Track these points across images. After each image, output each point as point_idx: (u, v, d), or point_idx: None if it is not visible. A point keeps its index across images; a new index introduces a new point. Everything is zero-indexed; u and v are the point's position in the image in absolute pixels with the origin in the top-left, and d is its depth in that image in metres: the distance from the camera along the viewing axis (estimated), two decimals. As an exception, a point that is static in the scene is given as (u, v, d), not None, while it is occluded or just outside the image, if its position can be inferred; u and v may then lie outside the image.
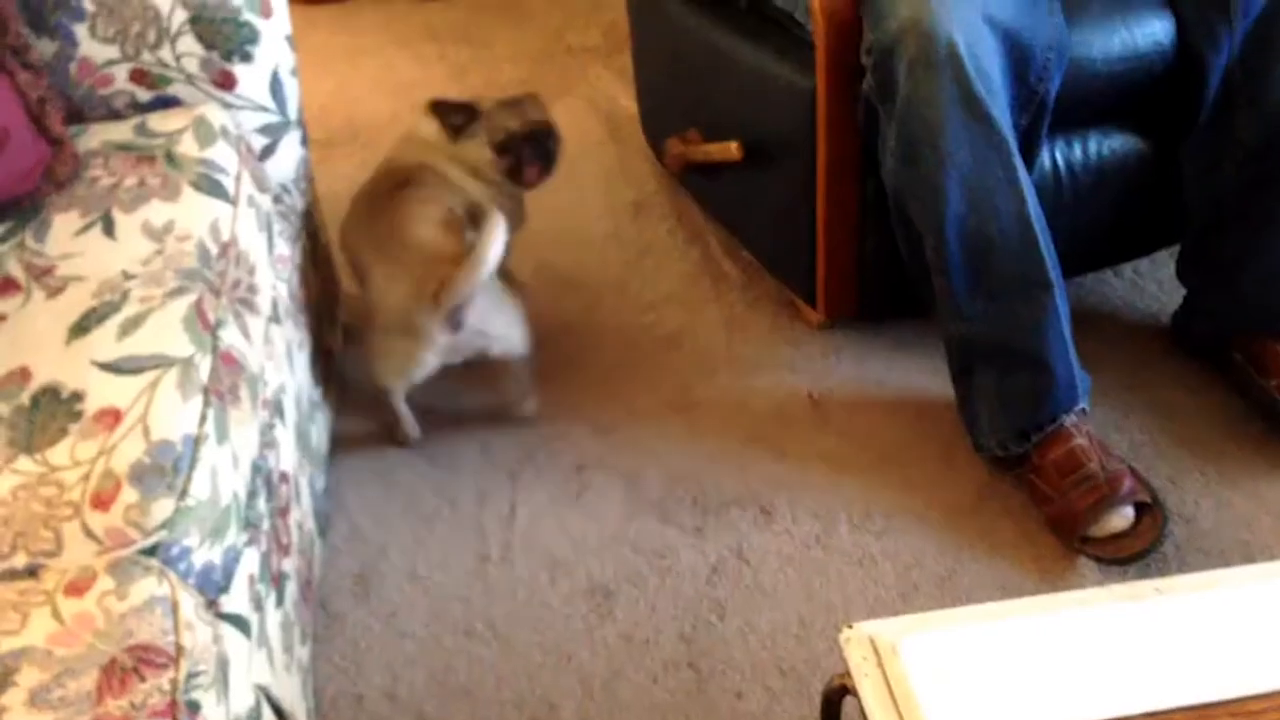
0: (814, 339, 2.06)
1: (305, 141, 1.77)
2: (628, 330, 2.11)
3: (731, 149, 1.92)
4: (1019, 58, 1.62)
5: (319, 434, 1.75)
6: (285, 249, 1.65)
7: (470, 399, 1.98)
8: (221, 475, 1.22)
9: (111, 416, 1.20)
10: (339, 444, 1.90)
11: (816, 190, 1.81)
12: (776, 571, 1.70)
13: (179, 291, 1.33)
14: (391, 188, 1.81)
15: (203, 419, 1.23)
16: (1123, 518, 1.67)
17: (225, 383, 1.30)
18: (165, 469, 1.16)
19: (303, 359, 1.70)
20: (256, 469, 1.35)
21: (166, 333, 1.28)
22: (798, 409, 1.94)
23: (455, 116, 1.85)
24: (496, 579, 1.71)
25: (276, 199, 1.70)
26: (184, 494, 1.16)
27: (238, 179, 1.52)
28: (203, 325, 1.31)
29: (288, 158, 1.72)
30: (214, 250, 1.40)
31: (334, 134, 2.57)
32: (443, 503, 1.82)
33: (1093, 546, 1.67)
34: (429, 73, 2.82)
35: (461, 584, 1.71)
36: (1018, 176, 1.63)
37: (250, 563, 1.29)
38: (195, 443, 1.20)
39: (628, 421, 1.94)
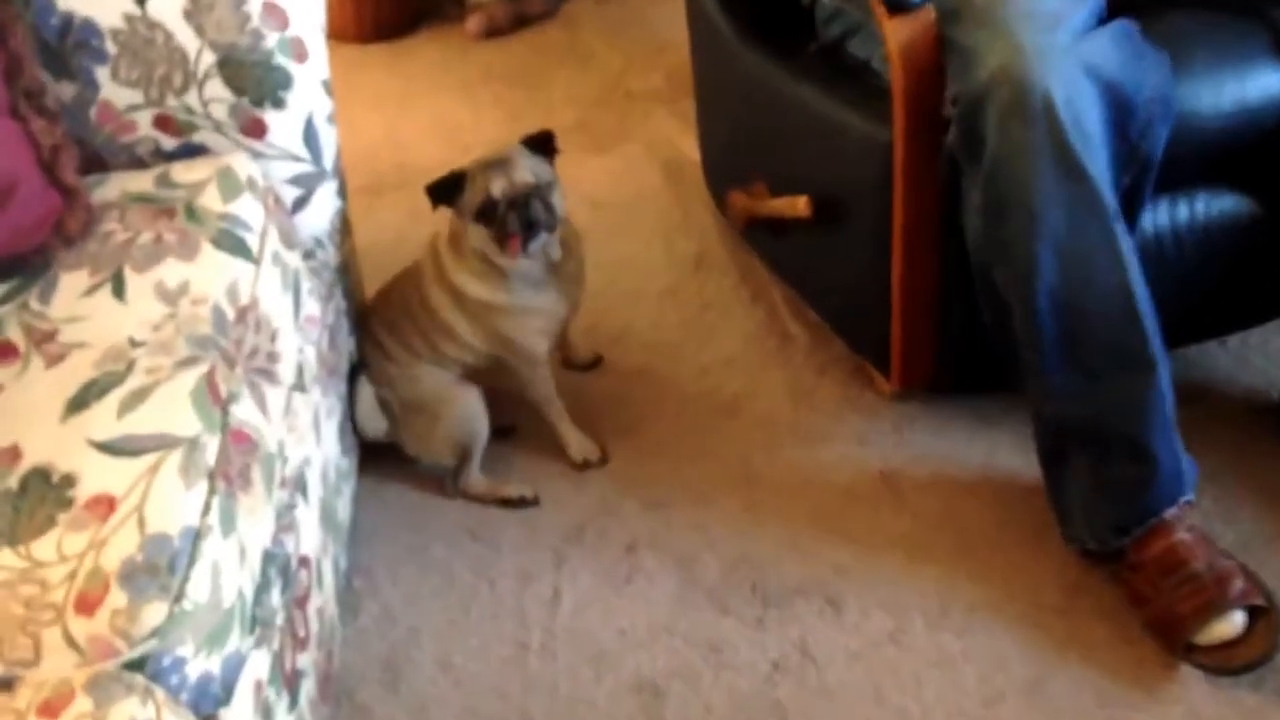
0: (886, 409, 1.90)
1: (342, 192, 1.66)
2: (684, 395, 1.97)
3: (799, 205, 1.77)
4: (1121, 111, 1.47)
5: (345, 507, 1.63)
6: (315, 309, 1.53)
7: (516, 468, 1.85)
8: (225, 573, 1.09)
9: (105, 505, 1.07)
10: (371, 515, 1.77)
11: (892, 251, 1.66)
12: (844, 671, 1.54)
13: (189, 362, 1.21)
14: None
15: (206, 508, 1.10)
16: (1232, 624, 1.49)
17: (235, 465, 1.17)
18: (159, 568, 1.04)
19: (331, 427, 1.57)
20: (270, 559, 1.22)
21: (172, 408, 1.16)
22: (868, 487, 1.79)
23: (447, 194, 1.69)
24: (536, 671, 1.57)
25: (308, 254, 1.58)
26: (179, 597, 1.03)
27: (263, 235, 1.40)
28: (213, 399, 1.19)
29: (322, 210, 1.60)
30: (231, 314, 1.28)
31: (382, 180, 2.46)
32: (481, 582, 1.68)
33: (1199, 655, 1.50)
34: (482, 116, 2.71)
35: (498, 675, 1.56)
36: (1118, 242, 1.47)
37: (258, 666, 1.16)
38: (196, 536, 1.08)
39: (682, 497, 1.79)
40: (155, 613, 1.01)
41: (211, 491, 1.12)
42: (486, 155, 1.70)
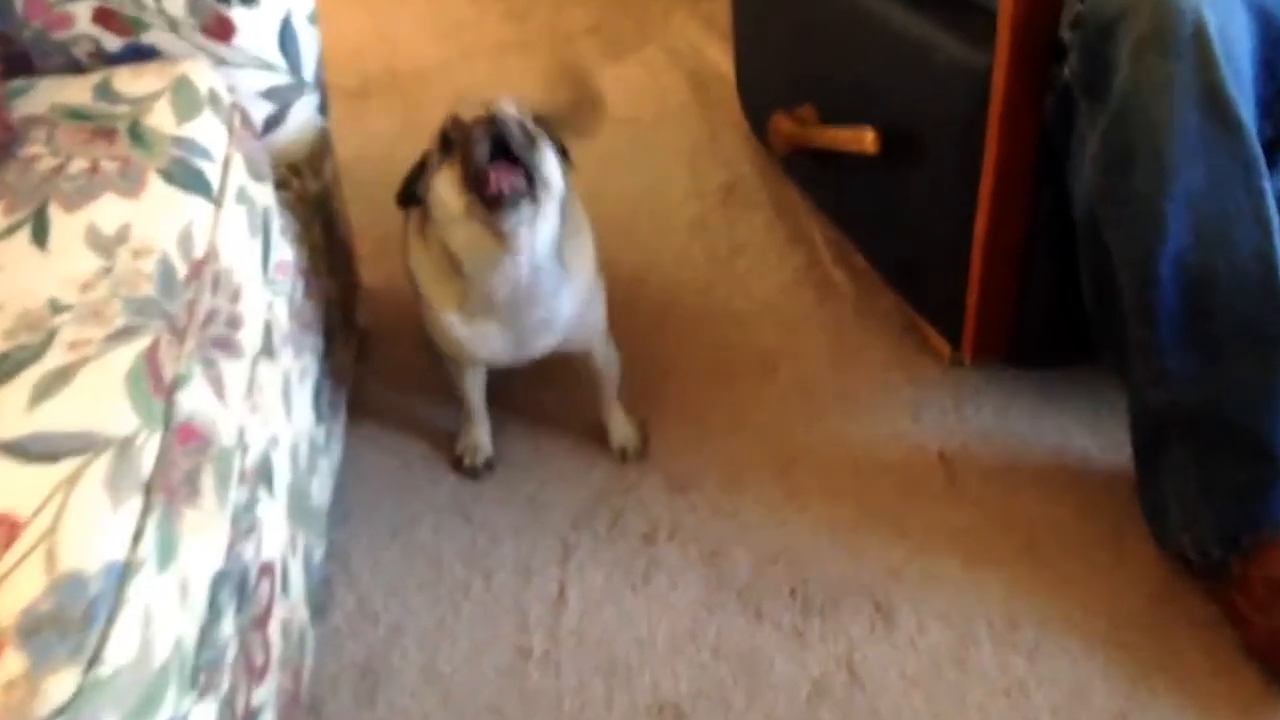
0: (943, 377, 1.66)
1: (324, 108, 1.38)
2: (713, 350, 1.72)
3: (866, 139, 1.51)
4: (1274, 47, 1.21)
5: (321, 486, 1.38)
6: (288, 253, 1.27)
7: (524, 440, 1.60)
8: (160, 619, 0.85)
9: (6, 528, 0.82)
10: (348, 485, 1.53)
11: (978, 198, 1.40)
12: (899, 697, 1.32)
13: (126, 333, 0.95)
14: None
15: (138, 535, 0.85)
16: (1352, 657, 1.28)
17: (180, 470, 0.92)
18: (70, 620, 0.79)
19: (305, 393, 1.32)
20: (221, 582, 0.98)
21: (100, 397, 0.90)
22: (923, 471, 1.55)
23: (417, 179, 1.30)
24: (538, 685, 1.34)
25: (281, 184, 1.31)
26: (95, 660, 0.79)
27: (226, 165, 1.13)
28: (154, 385, 0.93)
29: (299, 130, 1.33)
30: (182, 270, 1.02)
31: (369, 82, 2.17)
32: (475, 575, 1.45)
33: (1310, 689, 1.29)
34: (484, 13, 2.41)
35: (493, 688, 1.33)
36: (1265, 202, 1.22)
37: (203, 723, 0.92)
38: (123, 574, 0.83)
39: (710, 475, 1.55)
40: (62, 683, 0.77)
41: (147, 510, 0.87)
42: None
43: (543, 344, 1.39)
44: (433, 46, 2.30)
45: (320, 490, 1.36)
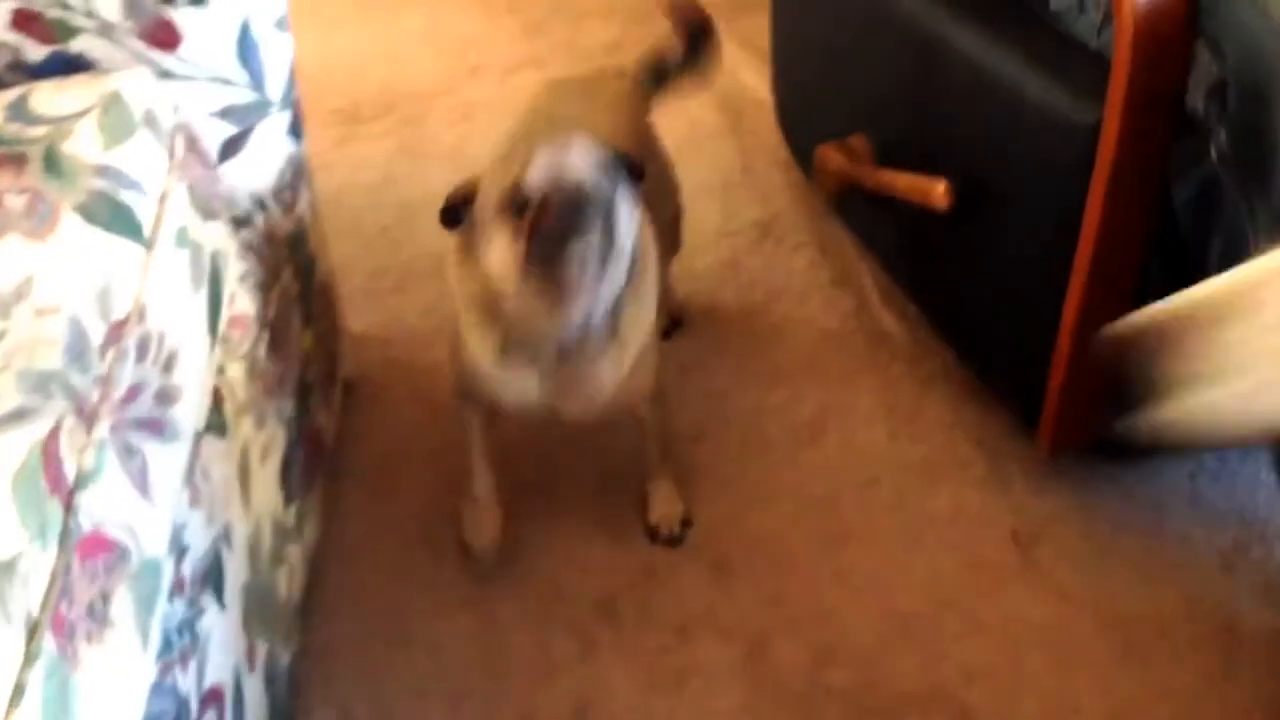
0: (1013, 441, 1.44)
1: (298, 130, 1.18)
2: (750, 412, 1.51)
3: (936, 192, 1.28)
4: None
5: (290, 577, 1.16)
6: (248, 305, 1.06)
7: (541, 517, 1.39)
8: (43, 805, 0.64)
9: None
10: (331, 570, 1.31)
11: (1070, 273, 1.18)
12: (979, 834, 1.10)
13: (18, 417, 0.74)
14: None
15: (17, 693, 0.64)
16: None
17: (82, 598, 0.71)
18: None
19: (269, 470, 1.10)
20: (143, 731, 0.77)
21: (-23, 503, 0.70)
22: (996, 552, 1.34)
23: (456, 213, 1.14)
24: (550, 818, 1.13)
25: (241, 222, 1.10)
26: None
27: (162, 200, 0.92)
28: (51, 485, 0.72)
29: (266, 157, 1.13)
30: (98, 334, 0.81)
31: (362, 105, 1.97)
32: (476, 677, 1.23)
33: None
34: (494, 29, 2.21)
35: (495, 822, 1.12)
36: None
37: None
38: (-11, 751, 0.62)
39: (750, 557, 1.34)
40: None
41: (30, 657, 0.66)
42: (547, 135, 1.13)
43: (579, 408, 1.20)
44: (436, 64, 2.10)
45: (289, 583, 1.15)
